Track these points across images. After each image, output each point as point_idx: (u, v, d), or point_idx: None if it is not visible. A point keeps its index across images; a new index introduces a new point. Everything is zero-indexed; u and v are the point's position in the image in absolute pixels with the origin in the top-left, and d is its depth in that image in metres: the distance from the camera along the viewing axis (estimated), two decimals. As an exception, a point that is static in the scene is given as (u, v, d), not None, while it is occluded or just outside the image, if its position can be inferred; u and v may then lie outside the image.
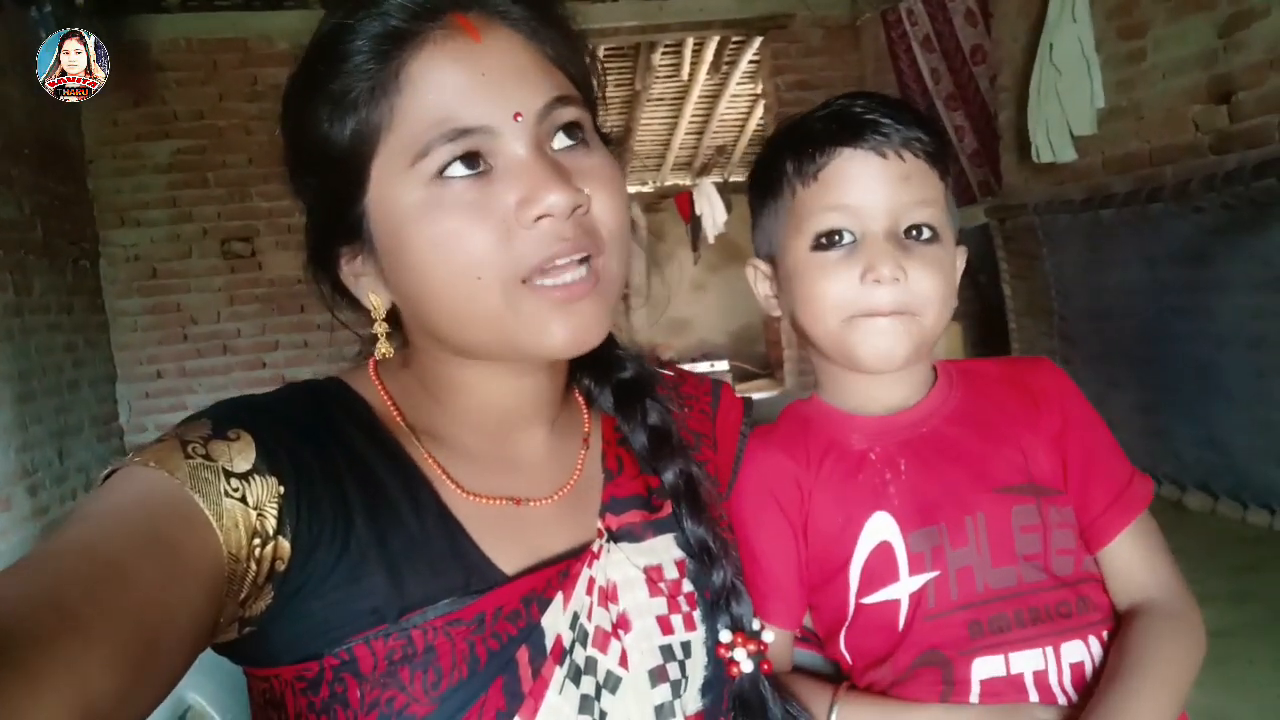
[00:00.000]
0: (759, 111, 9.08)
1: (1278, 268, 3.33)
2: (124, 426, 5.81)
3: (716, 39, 7.80)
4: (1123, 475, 0.90)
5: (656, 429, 0.82)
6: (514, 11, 0.70)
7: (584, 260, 0.68)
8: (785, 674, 0.92)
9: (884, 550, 0.87)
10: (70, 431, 5.03)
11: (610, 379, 0.86)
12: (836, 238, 0.88)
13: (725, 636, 0.77)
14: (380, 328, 0.74)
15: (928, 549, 0.86)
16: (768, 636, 0.80)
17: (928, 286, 0.87)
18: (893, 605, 0.87)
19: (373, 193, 0.70)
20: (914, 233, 0.88)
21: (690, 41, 7.90)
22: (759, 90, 8.31)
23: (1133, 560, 0.88)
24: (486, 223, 0.66)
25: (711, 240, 9.35)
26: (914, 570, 0.86)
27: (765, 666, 0.79)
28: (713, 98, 9.26)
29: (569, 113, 0.70)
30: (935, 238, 0.89)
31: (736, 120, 9.89)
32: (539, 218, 0.65)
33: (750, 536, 0.90)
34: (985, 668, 0.84)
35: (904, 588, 0.86)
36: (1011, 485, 0.88)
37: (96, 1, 4.97)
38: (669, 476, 0.80)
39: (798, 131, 0.92)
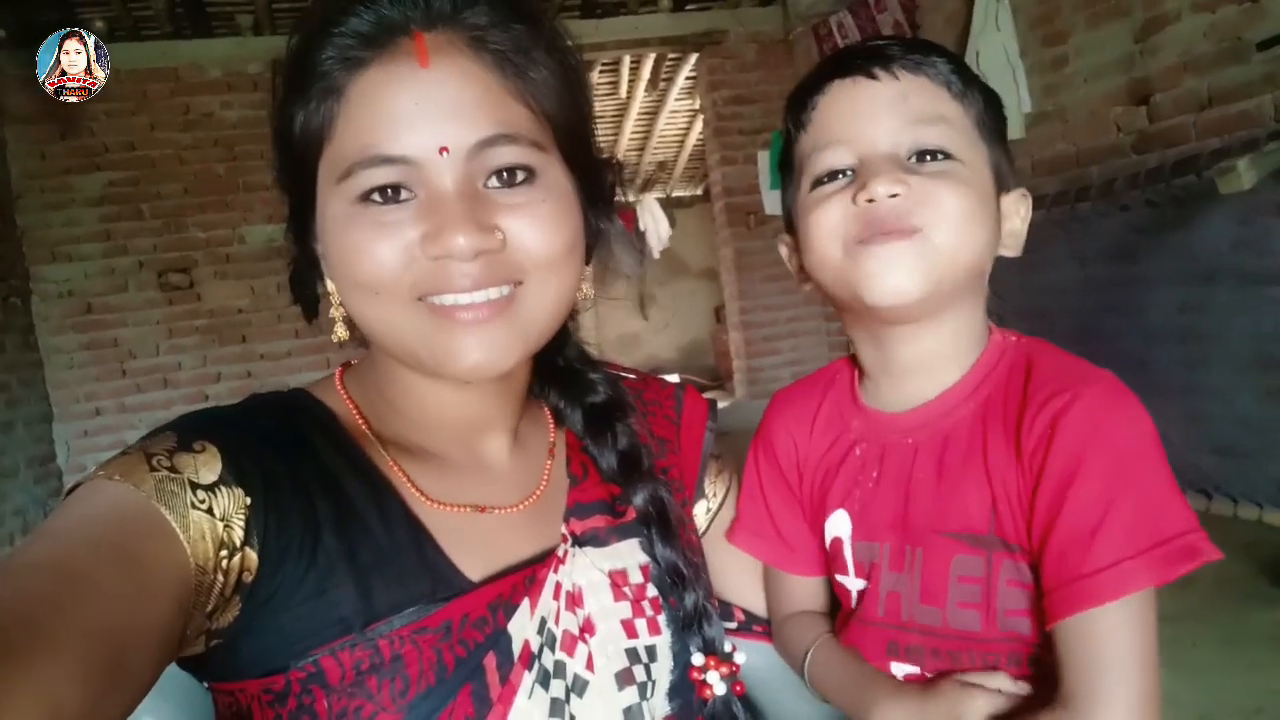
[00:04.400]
0: (698, 126, 9.16)
1: (1200, 262, 3.45)
2: (62, 467, 5.64)
3: (653, 56, 7.87)
4: (1086, 563, 0.69)
5: (626, 454, 0.83)
6: (489, 36, 0.69)
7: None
8: (791, 614, 0.91)
9: (837, 545, 0.87)
10: (5, 474, 4.88)
11: (581, 401, 0.86)
12: (840, 175, 0.79)
13: (698, 659, 0.78)
14: (337, 312, 0.75)
15: (866, 561, 0.84)
16: (739, 659, 0.80)
17: (937, 198, 0.75)
18: (845, 590, 0.87)
19: (319, 192, 0.71)
20: (925, 157, 0.77)
21: (627, 59, 7.96)
22: (697, 106, 8.39)
23: (1065, 657, 0.70)
24: (391, 244, 0.66)
25: (656, 255, 9.40)
26: (857, 573, 0.85)
27: (738, 688, 0.79)
28: (651, 114, 9.33)
29: (508, 153, 0.68)
30: (950, 158, 0.77)
31: (676, 136, 9.97)
32: (438, 257, 0.66)
33: (761, 492, 0.91)
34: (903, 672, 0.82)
35: (849, 583, 0.86)
36: (963, 533, 0.77)
37: (20, 31, 4.86)
38: (639, 501, 0.81)
39: (801, 84, 0.84)
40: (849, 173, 0.78)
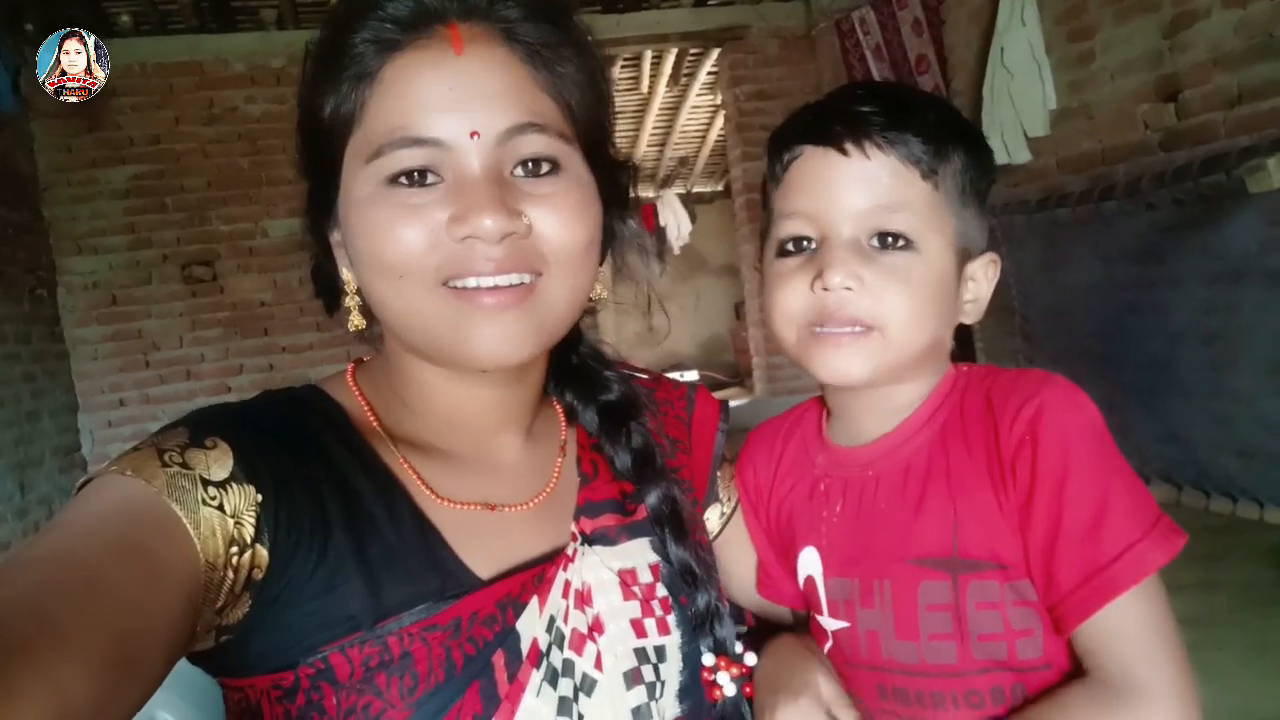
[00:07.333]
0: (719, 122, 9.14)
1: (1228, 262, 3.40)
2: (86, 457, 5.71)
3: (674, 51, 7.85)
4: (1101, 554, 0.70)
5: (640, 452, 0.83)
6: (520, 30, 0.70)
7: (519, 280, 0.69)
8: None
9: (811, 584, 0.86)
10: (31, 464, 4.94)
11: (595, 399, 0.86)
12: (803, 244, 0.82)
13: (709, 660, 0.77)
14: (353, 301, 0.76)
15: (841, 599, 0.83)
16: (750, 660, 0.80)
17: (887, 298, 0.78)
18: (821, 631, 0.86)
19: (344, 177, 0.71)
20: (887, 241, 0.79)
21: (649, 54, 7.94)
22: (718, 101, 8.36)
23: (1096, 656, 0.71)
24: (418, 226, 0.67)
25: (677, 251, 9.39)
26: (832, 613, 0.84)
27: (747, 690, 0.79)
28: (673, 110, 9.31)
29: (535, 141, 0.69)
30: (909, 246, 0.79)
31: (697, 131, 9.95)
32: (465, 238, 0.66)
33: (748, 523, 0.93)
34: None
35: (826, 623, 0.85)
36: (926, 558, 0.78)
37: (47, 26, 4.90)
38: (652, 500, 0.81)
39: (783, 124, 0.86)
40: (811, 243, 0.81)
